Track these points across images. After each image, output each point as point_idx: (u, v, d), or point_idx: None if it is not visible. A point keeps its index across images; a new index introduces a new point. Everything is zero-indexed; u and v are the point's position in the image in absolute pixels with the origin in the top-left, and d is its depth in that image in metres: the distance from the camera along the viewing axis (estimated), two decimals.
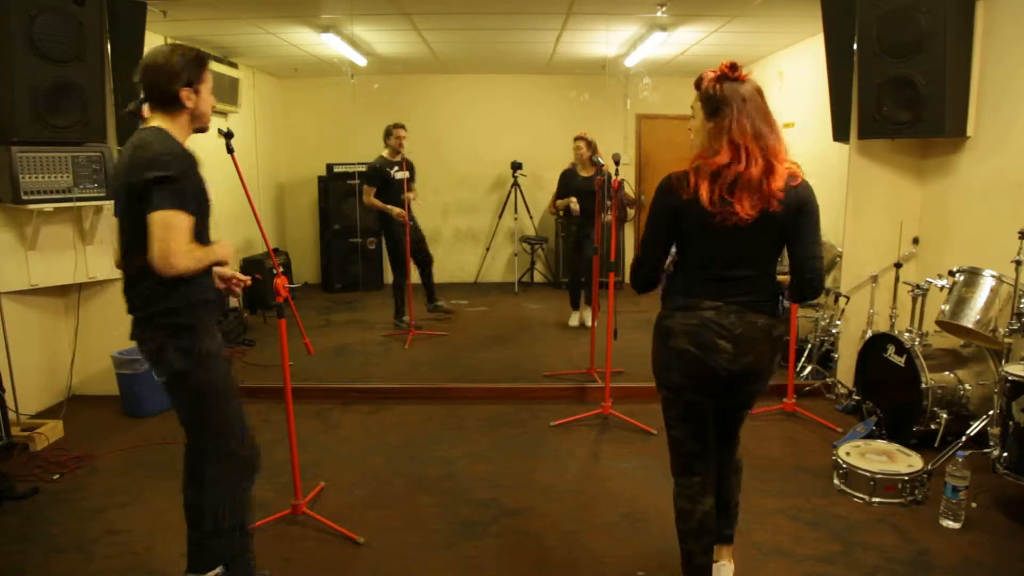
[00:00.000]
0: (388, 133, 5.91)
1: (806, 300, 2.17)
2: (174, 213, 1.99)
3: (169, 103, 2.11)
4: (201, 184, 2.14)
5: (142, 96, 2.14)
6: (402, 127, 5.89)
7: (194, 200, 2.08)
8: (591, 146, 5.75)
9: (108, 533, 2.86)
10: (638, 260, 2.19)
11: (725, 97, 2.05)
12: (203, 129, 2.25)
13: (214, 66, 6.18)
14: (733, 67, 2.10)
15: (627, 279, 2.19)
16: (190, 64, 2.12)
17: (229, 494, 2.31)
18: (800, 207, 2.08)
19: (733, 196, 1.96)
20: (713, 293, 2.07)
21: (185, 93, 2.11)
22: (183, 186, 2.03)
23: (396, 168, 5.88)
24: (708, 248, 2.06)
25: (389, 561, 2.65)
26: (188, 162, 2.09)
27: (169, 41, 5.75)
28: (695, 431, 2.25)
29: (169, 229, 1.98)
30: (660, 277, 2.18)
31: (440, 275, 6.69)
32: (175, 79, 2.10)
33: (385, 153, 5.98)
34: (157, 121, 2.13)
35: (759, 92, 2.13)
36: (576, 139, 5.85)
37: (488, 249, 8.48)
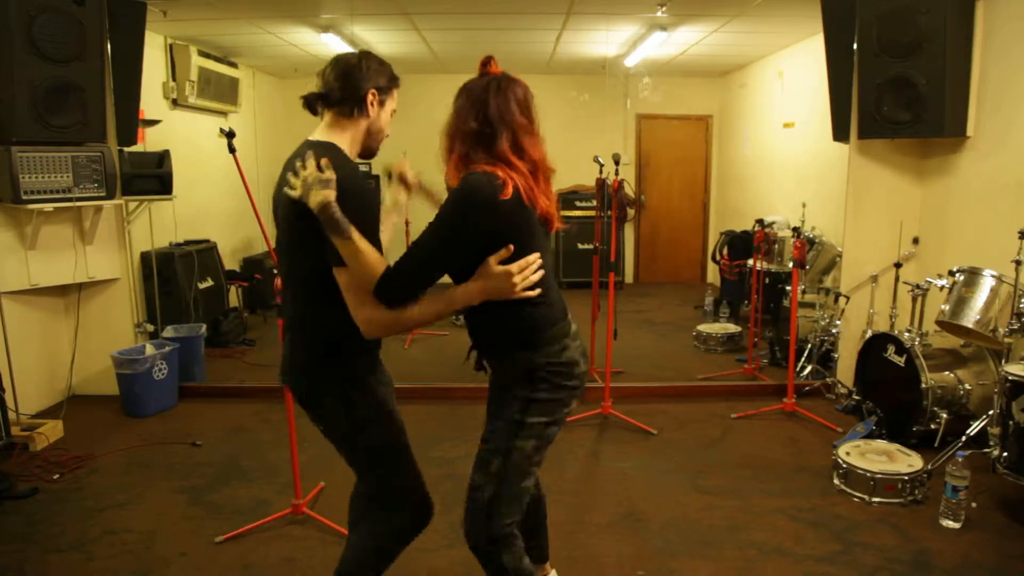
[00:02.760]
0: None
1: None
2: None
3: (345, 104, 1.85)
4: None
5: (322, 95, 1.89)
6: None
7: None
8: None
9: (108, 533, 2.86)
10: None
11: None
12: (371, 153, 1.98)
13: (214, 66, 6.20)
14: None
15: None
16: (385, 72, 1.91)
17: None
18: None
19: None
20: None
21: (371, 97, 1.86)
22: None
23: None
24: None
25: None
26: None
27: (170, 41, 5.76)
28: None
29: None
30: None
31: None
32: (366, 78, 1.85)
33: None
34: (324, 135, 1.88)
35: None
36: None
37: None
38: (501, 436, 1.87)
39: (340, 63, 1.87)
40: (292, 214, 1.73)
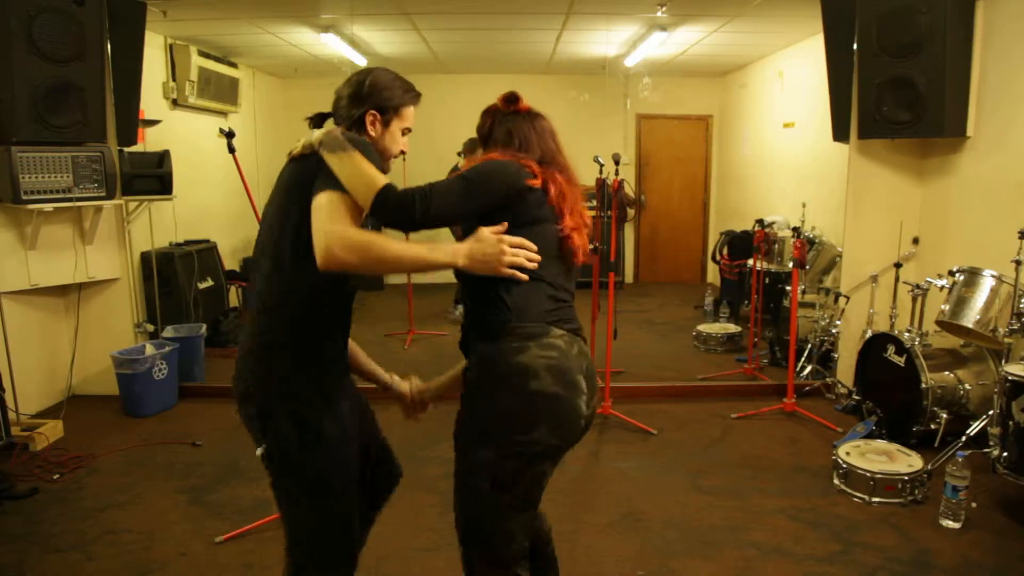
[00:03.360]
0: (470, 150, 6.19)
1: None
2: None
3: (355, 127, 1.77)
4: None
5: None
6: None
7: None
8: None
9: (108, 533, 2.86)
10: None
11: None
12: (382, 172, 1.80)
13: (214, 66, 6.19)
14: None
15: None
16: (393, 91, 1.79)
17: None
18: None
19: None
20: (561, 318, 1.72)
21: (370, 118, 1.76)
22: None
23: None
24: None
25: (389, 561, 2.64)
26: None
27: (170, 41, 5.76)
28: (530, 520, 1.75)
29: None
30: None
31: (441, 275, 6.69)
32: (363, 100, 1.76)
33: (460, 165, 6.19)
34: None
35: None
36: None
37: None
38: (457, 467, 1.70)
39: (349, 82, 1.81)
40: (286, 183, 1.68)
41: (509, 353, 1.61)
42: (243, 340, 1.81)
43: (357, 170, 1.55)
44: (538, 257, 1.65)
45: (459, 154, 6.05)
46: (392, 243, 1.55)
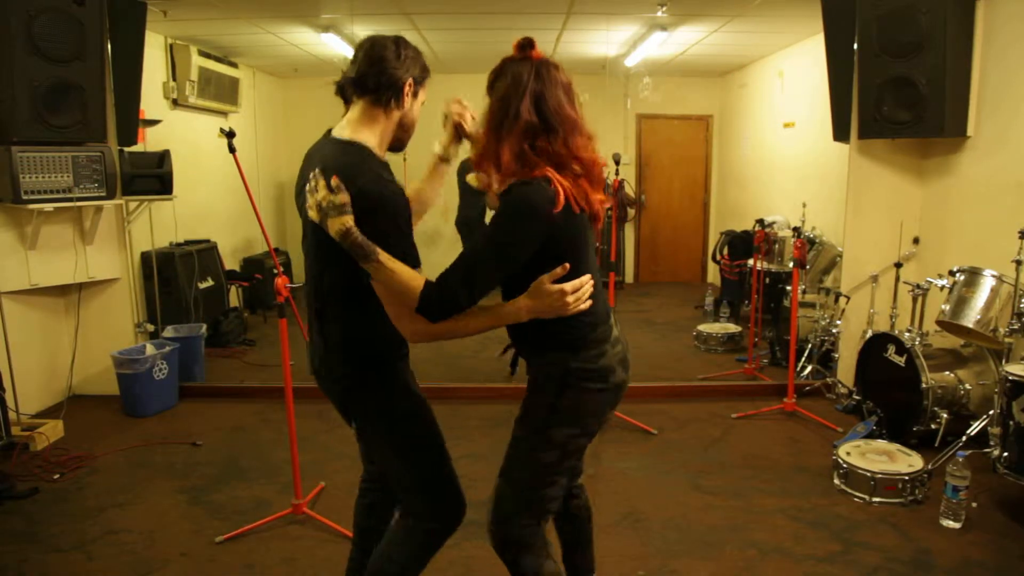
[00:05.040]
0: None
1: None
2: None
3: (383, 93, 1.71)
4: None
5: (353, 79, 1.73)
6: None
7: None
8: None
9: (108, 533, 2.86)
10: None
11: None
12: (402, 146, 1.85)
13: (214, 66, 6.19)
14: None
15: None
16: (420, 61, 1.79)
17: None
18: None
19: None
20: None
21: (409, 87, 1.74)
22: None
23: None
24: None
25: None
26: None
27: (170, 41, 5.76)
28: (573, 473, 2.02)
29: None
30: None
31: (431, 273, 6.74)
32: (403, 67, 1.72)
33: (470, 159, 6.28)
34: (351, 130, 1.73)
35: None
36: None
37: None
38: (524, 443, 1.81)
39: (377, 47, 1.71)
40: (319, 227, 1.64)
41: (593, 359, 1.75)
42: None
43: (392, 279, 1.59)
44: (592, 286, 1.70)
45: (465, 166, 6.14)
46: (460, 322, 1.65)
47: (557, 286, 1.64)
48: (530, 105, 1.62)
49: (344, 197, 1.55)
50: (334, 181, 1.56)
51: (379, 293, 1.65)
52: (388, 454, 1.88)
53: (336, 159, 1.64)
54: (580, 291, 1.67)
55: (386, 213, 1.61)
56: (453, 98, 1.94)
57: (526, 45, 1.69)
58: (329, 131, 1.79)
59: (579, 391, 1.75)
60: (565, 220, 1.62)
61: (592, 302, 1.71)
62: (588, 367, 1.75)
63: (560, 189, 1.60)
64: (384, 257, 1.57)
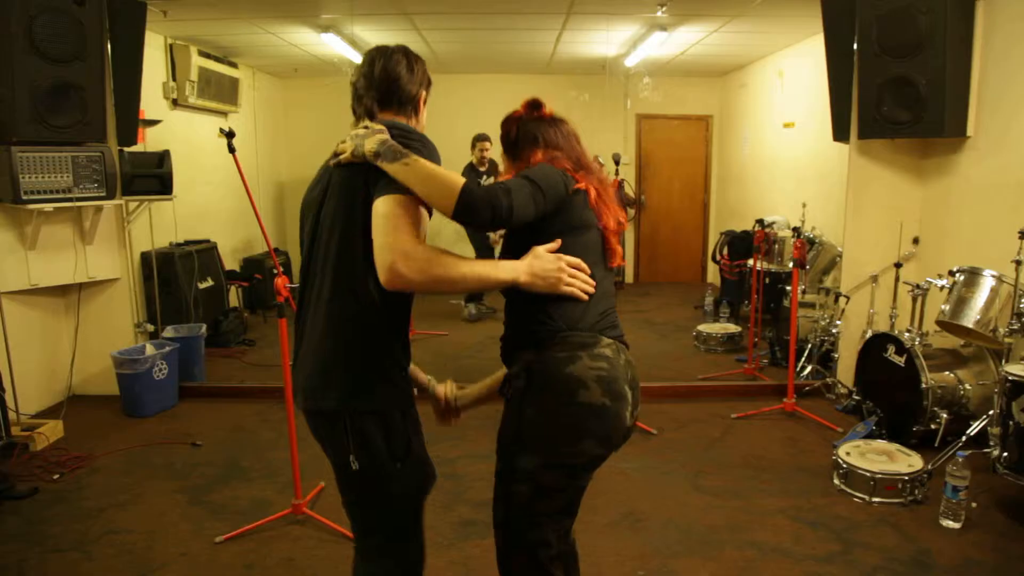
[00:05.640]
0: (473, 144, 6.42)
1: None
2: None
3: (405, 108, 1.73)
4: None
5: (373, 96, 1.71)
6: (486, 139, 6.39)
7: None
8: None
9: (108, 533, 2.86)
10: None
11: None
12: None
13: (214, 66, 6.19)
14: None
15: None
16: (425, 72, 1.81)
17: None
18: None
19: None
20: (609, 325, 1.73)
21: (423, 97, 1.78)
22: None
23: (484, 176, 6.35)
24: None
25: None
26: None
27: (170, 41, 5.76)
28: (568, 527, 1.78)
29: None
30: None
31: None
32: (416, 81, 1.75)
33: (473, 160, 6.48)
34: None
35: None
36: (484, 140, 6.39)
37: None
38: (497, 474, 1.72)
39: (390, 65, 1.70)
40: (342, 189, 1.57)
41: (559, 363, 1.59)
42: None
43: (429, 175, 1.48)
44: (592, 284, 1.65)
45: (474, 146, 6.35)
46: (456, 260, 1.52)
47: (555, 254, 1.61)
48: (552, 156, 1.72)
49: (379, 125, 1.58)
50: (365, 122, 1.59)
51: (382, 211, 1.48)
52: (373, 495, 1.73)
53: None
54: (576, 275, 1.62)
55: (429, 151, 1.59)
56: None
57: (536, 105, 1.80)
58: None
59: (541, 400, 1.59)
60: (580, 204, 1.66)
61: (585, 299, 1.63)
62: (549, 368, 1.59)
63: (583, 182, 1.67)
64: (422, 160, 1.50)
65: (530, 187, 1.57)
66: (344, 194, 1.58)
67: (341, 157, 1.57)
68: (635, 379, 1.73)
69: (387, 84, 1.70)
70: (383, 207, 1.48)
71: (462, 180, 1.49)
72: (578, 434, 1.60)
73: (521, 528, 1.68)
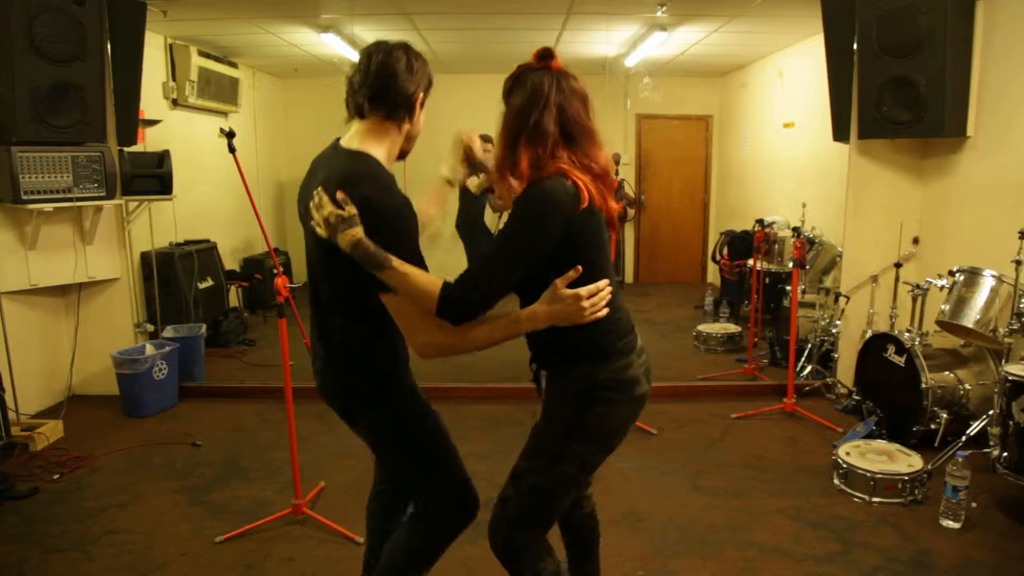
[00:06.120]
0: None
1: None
2: None
3: (399, 110, 1.69)
4: None
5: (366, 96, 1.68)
6: (488, 140, 6.24)
7: None
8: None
9: (108, 533, 2.86)
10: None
11: None
12: (406, 155, 1.83)
13: (214, 66, 6.20)
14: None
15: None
16: (427, 68, 1.75)
17: None
18: None
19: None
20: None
21: (420, 99, 1.73)
22: None
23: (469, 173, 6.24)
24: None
25: None
26: None
27: (170, 41, 5.76)
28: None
29: None
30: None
31: (441, 275, 6.74)
32: (415, 81, 1.69)
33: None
34: (360, 141, 1.70)
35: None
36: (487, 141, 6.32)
37: None
38: (542, 454, 1.76)
39: (389, 61, 1.66)
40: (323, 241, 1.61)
41: (619, 371, 1.70)
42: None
43: (408, 284, 1.56)
44: (609, 292, 1.66)
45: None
46: (477, 332, 1.62)
47: (572, 291, 1.60)
48: (552, 117, 1.63)
49: (351, 210, 1.54)
50: (340, 195, 1.54)
51: (392, 308, 1.63)
52: (398, 457, 1.89)
53: (342, 169, 1.62)
54: (597, 297, 1.62)
55: (396, 225, 1.59)
56: (466, 129, 1.98)
57: (546, 55, 1.68)
58: (337, 141, 1.77)
59: (607, 405, 1.71)
60: (584, 218, 1.61)
61: (610, 310, 1.67)
62: (616, 379, 1.70)
63: (580, 184, 1.59)
64: (398, 263, 1.55)
65: (512, 251, 1.59)
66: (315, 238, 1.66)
67: (319, 231, 1.58)
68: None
69: (382, 81, 1.65)
70: (390, 304, 1.63)
71: (437, 285, 1.56)
72: (630, 423, 1.79)
73: (545, 498, 1.78)
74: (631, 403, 1.75)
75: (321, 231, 1.57)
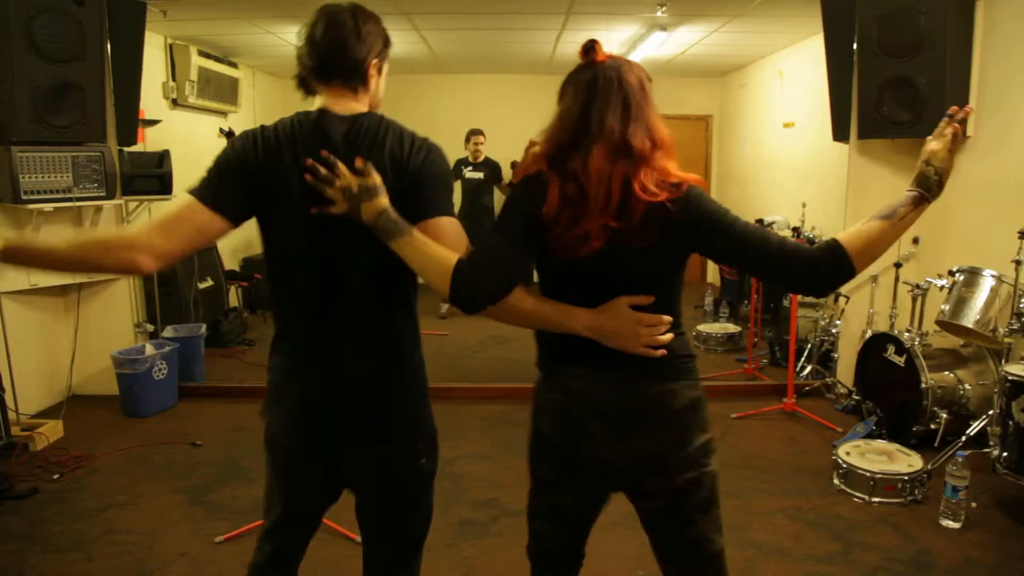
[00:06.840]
0: (467, 138, 6.65)
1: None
2: None
3: (351, 79, 1.51)
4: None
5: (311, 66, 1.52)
6: (479, 133, 6.65)
7: None
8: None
9: (108, 533, 2.86)
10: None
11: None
12: None
13: (214, 66, 6.19)
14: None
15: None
16: (382, 30, 1.57)
17: None
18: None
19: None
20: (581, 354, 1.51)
21: (376, 67, 1.54)
22: None
23: (470, 168, 6.60)
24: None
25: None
26: None
27: (170, 41, 5.76)
28: (565, 533, 1.81)
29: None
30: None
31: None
32: (368, 47, 1.51)
33: (468, 155, 6.69)
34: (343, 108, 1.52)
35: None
36: (478, 134, 6.64)
37: None
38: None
39: (332, 27, 1.48)
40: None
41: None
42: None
43: (422, 257, 1.41)
44: (669, 329, 1.51)
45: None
46: (527, 300, 1.47)
47: (635, 314, 1.44)
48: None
49: (376, 178, 1.41)
50: (359, 163, 1.40)
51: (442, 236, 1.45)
52: (410, 509, 1.84)
53: (397, 128, 1.49)
54: (656, 327, 1.46)
55: (445, 178, 1.53)
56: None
57: (587, 49, 1.58)
58: (319, 112, 1.53)
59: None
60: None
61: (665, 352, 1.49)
62: (536, 394, 1.59)
63: (551, 187, 1.48)
64: (417, 232, 1.41)
65: (501, 232, 1.48)
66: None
67: (332, 208, 1.42)
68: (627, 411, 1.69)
69: (329, 52, 1.48)
70: (444, 227, 1.48)
71: (453, 260, 1.39)
72: (541, 461, 1.67)
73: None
74: (534, 431, 1.64)
75: (339, 207, 1.41)
